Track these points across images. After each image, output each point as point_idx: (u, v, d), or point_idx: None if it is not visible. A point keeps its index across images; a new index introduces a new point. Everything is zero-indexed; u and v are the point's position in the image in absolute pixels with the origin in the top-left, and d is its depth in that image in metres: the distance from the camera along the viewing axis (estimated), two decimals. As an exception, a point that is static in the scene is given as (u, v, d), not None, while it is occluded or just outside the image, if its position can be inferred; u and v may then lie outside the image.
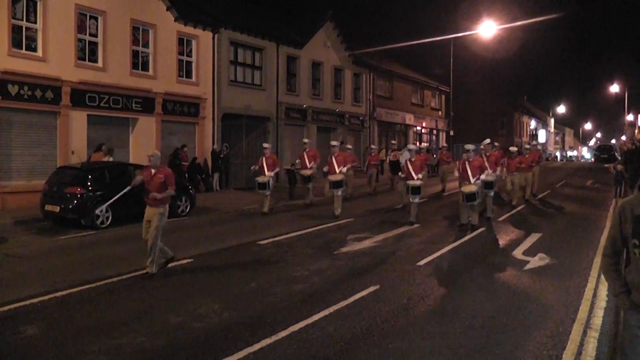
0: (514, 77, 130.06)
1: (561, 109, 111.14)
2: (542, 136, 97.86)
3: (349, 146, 26.73)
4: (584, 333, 7.73)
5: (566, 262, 12.13)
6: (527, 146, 25.31)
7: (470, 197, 15.92)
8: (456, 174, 17.47)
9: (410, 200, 17.24)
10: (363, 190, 26.72)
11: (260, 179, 19.19)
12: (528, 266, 11.75)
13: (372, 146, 29.98)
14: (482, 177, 16.66)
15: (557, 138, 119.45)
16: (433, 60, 55.16)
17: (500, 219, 18.41)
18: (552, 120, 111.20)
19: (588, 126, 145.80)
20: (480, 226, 16.69)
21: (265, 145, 20.73)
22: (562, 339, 7.52)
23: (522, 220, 18.42)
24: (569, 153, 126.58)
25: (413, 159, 17.54)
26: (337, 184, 18.77)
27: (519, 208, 20.97)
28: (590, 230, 16.54)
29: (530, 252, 13.16)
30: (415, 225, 16.71)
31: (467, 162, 16.62)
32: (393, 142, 33.67)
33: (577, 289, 9.96)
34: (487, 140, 19.82)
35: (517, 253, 13.09)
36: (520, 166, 22.21)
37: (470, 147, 16.83)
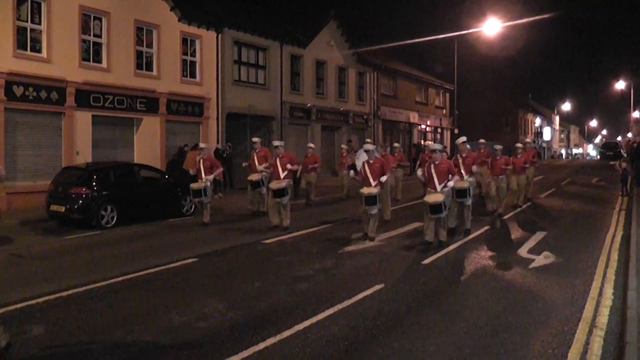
0: (519, 74, 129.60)
1: (566, 106, 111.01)
2: (547, 134, 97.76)
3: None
4: (590, 332, 7.69)
5: (572, 261, 12.09)
6: (520, 145, 22.00)
7: (435, 208, 13.02)
8: (419, 174, 14.68)
9: (368, 211, 14.12)
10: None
11: (253, 177, 17.69)
12: (533, 264, 11.72)
13: (343, 146, 26.76)
14: (451, 183, 13.55)
15: (562, 135, 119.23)
16: (437, 59, 55.08)
17: (506, 217, 18.37)
18: (557, 118, 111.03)
19: (593, 123, 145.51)
20: (461, 236, 14.72)
21: (254, 139, 19.20)
22: (568, 337, 7.50)
23: (527, 218, 18.42)
24: (574, 151, 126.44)
25: (371, 161, 14.49)
26: (279, 193, 15.69)
27: (524, 206, 20.84)
28: (596, 228, 16.49)
29: (536, 250, 13.13)
30: (375, 242, 14.19)
31: (432, 165, 13.70)
32: (349, 141, 30.40)
33: (582, 288, 9.93)
34: (462, 139, 16.49)
35: (522, 251, 13.07)
36: (506, 168, 18.93)
37: (436, 146, 14.04)
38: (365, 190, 13.86)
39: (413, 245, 13.81)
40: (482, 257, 12.70)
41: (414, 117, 48.24)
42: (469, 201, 14.97)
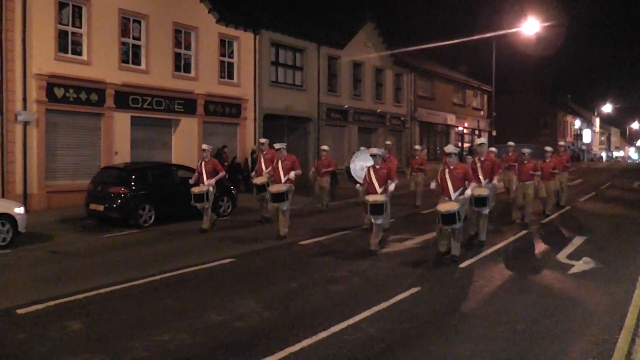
0: (558, 75, 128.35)
1: (607, 108, 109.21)
2: (587, 136, 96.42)
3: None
4: (632, 341, 7.51)
5: (612, 267, 11.86)
6: (549, 148, 19.68)
7: (448, 218, 11.71)
8: (433, 185, 13.12)
9: (372, 221, 13.01)
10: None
11: (258, 180, 16.24)
12: (572, 270, 11.52)
13: (324, 147, 21.40)
14: (468, 192, 12.23)
15: (603, 138, 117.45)
16: (475, 59, 54.73)
17: (544, 221, 18.11)
18: (598, 120, 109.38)
19: (635, 126, 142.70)
20: (475, 253, 12.94)
21: (261, 140, 17.85)
22: (608, 346, 7.32)
23: (566, 222, 18.13)
24: (615, 154, 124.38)
25: (378, 166, 13.23)
26: (278, 197, 14.61)
27: (562, 211, 20.49)
28: (638, 233, 16.23)
29: (575, 255, 12.90)
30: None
31: (446, 171, 12.49)
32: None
33: (624, 295, 9.71)
34: (481, 140, 15.49)
35: (561, 256, 12.85)
36: (534, 173, 17.32)
37: (450, 149, 12.65)
38: (370, 198, 12.66)
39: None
40: (520, 262, 12.56)
41: (451, 119, 47.93)
42: (487, 210, 13.70)
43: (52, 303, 8.90)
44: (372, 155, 13.49)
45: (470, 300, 9.46)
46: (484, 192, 13.41)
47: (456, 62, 53.64)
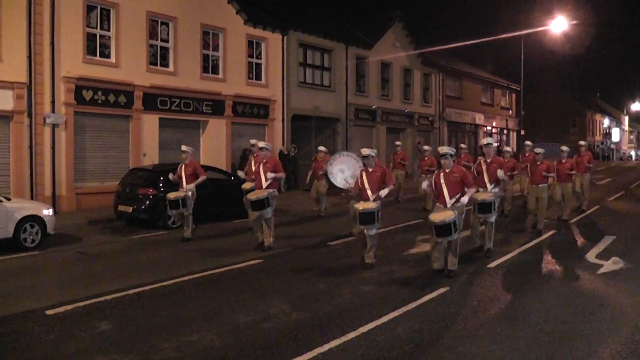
0: (587, 73, 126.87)
1: (636, 106, 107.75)
2: (615, 135, 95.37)
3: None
4: (663, 342, 7.34)
5: (642, 267, 11.61)
6: (565, 148, 18.16)
7: (443, 229, 10.31)
8: (424, 186, 11.71)
9: (365, 232, 11.52)
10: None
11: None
12: (601, 270, 11.32)
13: (321, 148, 20.50)
14: (465, 198, 10.85)
15: (632, 137, 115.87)
16: (503, 58, 54.35)
17: (572, 221, 17.79)
18: (627, 118, 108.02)
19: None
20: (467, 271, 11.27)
21: (252, 141, 16.74)
22: (639, 347, 7.18)
23: (595, 222, 17.77)
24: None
25: (371, 169, 11.80)
26: (259, 204, 13.00)
27: (582, 215, 19.98)
28: (669, 233, 15.89)
29: (604, 255, 12.67)
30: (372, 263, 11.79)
31: (441, 174, 11.05)
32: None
33: (654, 295, 9.53)
34: (488, 140, 13.66)
35: (590, 256, 12.65)
36: (548, 175, 15.78)
37: (445, 150, 11.23)
38: (360, 206, 11.25)
39: (479, 248, 13.51)
40: (549, 262, 12.40)
41: (479, 119, 47.60)
42: (493, 217, 12.42)
43: (81, 304, 8.91)
44: (364, 157, 11.98)
45: (498, 300, 9.32)
46: (488, 196, 12.19)
47: (484, 61, 53.31)
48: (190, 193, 14.72)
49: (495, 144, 44.51)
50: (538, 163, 15.87)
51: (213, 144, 24.65)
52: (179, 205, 14.46)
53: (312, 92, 30.26)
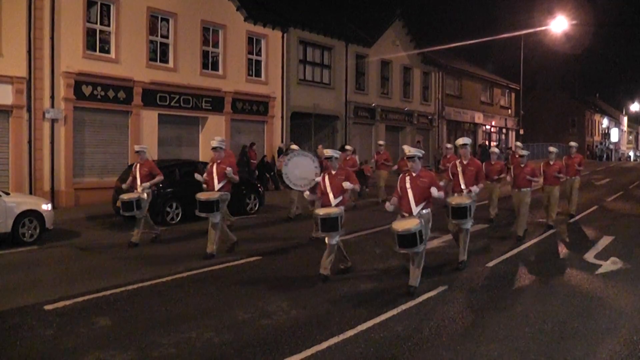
0: (586, 74, 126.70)
1: (635, 107, 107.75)
2: (614, 135, 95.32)
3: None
4: (662, 342, 7.33)
5: (641, 267, 11.59)
6: (553, 149, 16.81)
7: (407, 240, 9.14)
8: (389, 203, 10.21)
9: (326, 241, 10.49)
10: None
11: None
12: (600, 270, 11.29)
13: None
14: (433, 191, 9.51)
15: (631, 137, 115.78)
16: (503, 58, 54.38)
17: (571, 221, 17.77)
18: (625, 119, 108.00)
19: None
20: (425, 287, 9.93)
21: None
22: (638, 347, 7.17)
23: (594, 222, 17.68)
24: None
25: (334, 172, 10.76)
26: (207, 206, 12.12)
27: (589, 210, 19.97)
28: (668, 233, 15.88)
29: (603, 255, 12.63)
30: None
31: (407, 178, 9.83)
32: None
33: (652, 295, 9.52)
34: (464, 140, 12.11)
35: (589, 256, 12.60)
36: (532, 179, 14.71)
37: (412, 151, 9.89)
38: (321, 212, 10.23)
39: (478, 247, 13.51)
40: (548, 261, 12.36)
41: (478, 118, 47.64)
42: (469, 224, 11.35)
43: (79, 299, 8.93)
44: (327, 158, 10.94)
45: (497, 299, 9.32)
46: (464, 200, 11.06)
47: (484, 60, 53.37)
48: (145, 195, 13.61)
49: (495, 145, 44.58)
50: (522, 166, 14.77)
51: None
52: (132, 208, 13.36)
53: (312, 89, 30.27)
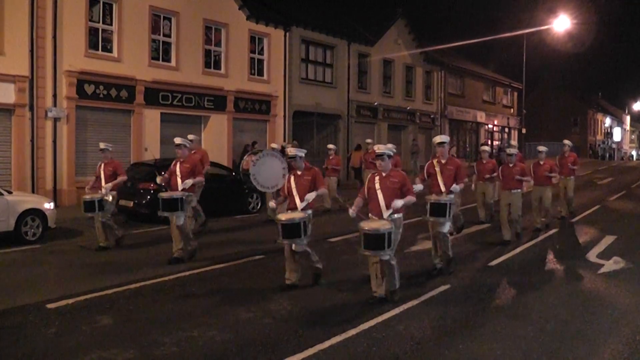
0: (589, 73, 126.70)
1: (638, 106, 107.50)
2: (617, 134, 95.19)
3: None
4: (664, 342, 7.32)
5: (643, 266, 11.57)
6: (542, 148, 16.13)
7: (374, 240, 8.33)
8: (352, 212, 9.09)
9: (292, 247, 9.56)
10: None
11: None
12: (602, 270, 11.28)
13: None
14: (397, 202, 8.65)
15: (634, 136, 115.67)
16: (505, 56, 54.37)
17: (574, 220, 17.78)
18: (628, 118, 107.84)
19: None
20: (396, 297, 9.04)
21: (190, 137, 14.99)
22: None
23: (596, 222, 17.67)
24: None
25: (300, 172, 9.78)
26: (170, 205, 11.33)
27: (591, 210, 19.96)
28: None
29: (605, 255, 12.63)
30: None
31: (376, 178, 9.04)
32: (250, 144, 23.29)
33: (655, 295, 9.50)
34: (441, 138, 11.11)
35: (591, 256, 12.61)
36: (522, 179, 14.10)
37: (382, 149, 9.16)
38: (283, 217, 9.32)
39: (480, 246, 13.51)
40: (550, 261, 12.39)
41: (481, 117, 47.57)
42: (446, 227, 10.50)
43: (81, 298, 8.93)
44: (290, 158, 9.94)
45: (499, 299, 9.35)
46: (442, 198, 10.36)
47: (487, 59, 53.35)
48: (110, 197, 13.05)
49: (496, 143, 44.49)
50: (510, 165, 14.09)
51: (214, 140, 24.64)
52: (94, 208, 12.69)
53: (314, 88, 30.24)
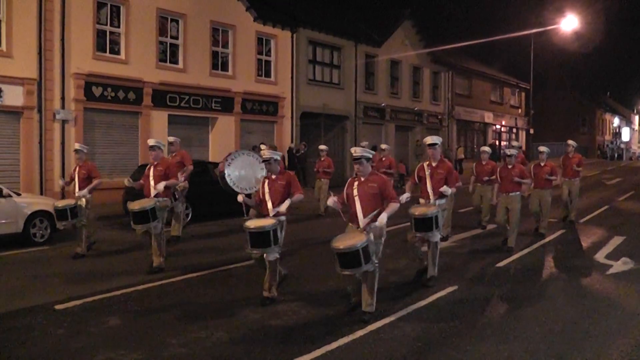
0: (597, 72, 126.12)
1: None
2: (625, 134, 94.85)
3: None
4: (673, 343, 7.27)
5: (652, 268, 11.51)
6: (543, 149, 15.49)
7: (348, 259, 7.65)
8: (330, 202, 8.53)
9: (264, 257, 8.93)
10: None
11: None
12: (611, 270, 11.21)
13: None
14: (382, 217, 7.96)
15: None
16: (513, 57, 54.20)
17: (582, 220, 17.71)
18: (637, 118, 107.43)
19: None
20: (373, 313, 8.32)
21: (170, 139, 14.69)
22: (649, 349, 7.12)
23: (604, 222, 17.58)
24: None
25: (274, 177, 9.08)
26: (141, 217, 10.55)
27: (600, 210, 19.83)
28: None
29: (613, 255, 12.55)
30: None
31: (355, 184, 8.39)
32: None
33: (664, 296, 9.44)
34: (432, 139, 10.46)
35: (599, 257, 12.54)
36: (521, 181, 12.99)
37: (359, 152, 8.37)
38: (251, 224, 8.55)
39: (488, 247, 13.46)
40: (558, 262, 12.35)
41: (488, 117, 47.50)
42: (437, 236, 9.94)
43: (89, 299, 8.95)
44: (265, 161, 9.19)
45: (507, 299, 9.30)
46: (429, 210, 9.55)
47: (494, 59, 53.13)
48: (83, 201, 12.34)
49: (504, 144, 44.39)
50: (509, 167, 13.08)
51: (222, 141, 24.66)
52: (67, 216, 12.00)
53: (321, 89, 30.26)
